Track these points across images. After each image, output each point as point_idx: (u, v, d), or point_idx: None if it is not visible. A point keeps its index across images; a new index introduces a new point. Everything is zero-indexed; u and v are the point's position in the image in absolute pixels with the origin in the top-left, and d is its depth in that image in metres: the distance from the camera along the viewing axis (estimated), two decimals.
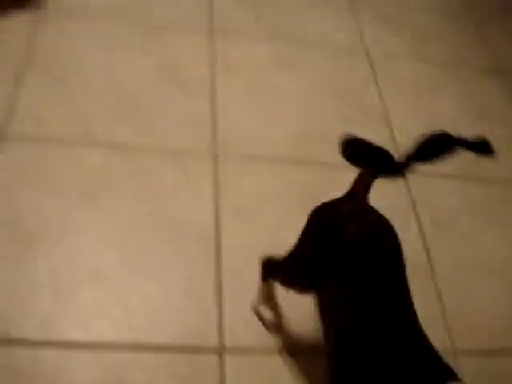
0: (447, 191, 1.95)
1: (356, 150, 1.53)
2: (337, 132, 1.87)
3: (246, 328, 1.46)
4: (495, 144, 1.47)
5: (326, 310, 1.10)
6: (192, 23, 2.22)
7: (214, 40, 2.18)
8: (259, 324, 1.48)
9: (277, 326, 1.48)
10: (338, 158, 1.33)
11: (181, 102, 1.92)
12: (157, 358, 1.36)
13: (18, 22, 1.97)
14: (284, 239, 1.39)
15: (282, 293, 1.49)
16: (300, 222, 1.21)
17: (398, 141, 2.04)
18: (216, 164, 1.77)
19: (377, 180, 1.24)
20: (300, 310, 1.50)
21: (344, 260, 1.07)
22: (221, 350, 1.41)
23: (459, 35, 2.63)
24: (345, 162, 1.31)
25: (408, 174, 1.90)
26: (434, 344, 0.96)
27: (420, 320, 1.01)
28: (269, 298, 1.52)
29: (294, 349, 1.46)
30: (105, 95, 1.85)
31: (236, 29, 2.27)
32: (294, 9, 2.43)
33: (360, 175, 1.37)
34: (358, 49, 2.38)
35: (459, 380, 0.92)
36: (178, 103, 1.91)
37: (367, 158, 1.56)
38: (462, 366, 1.49)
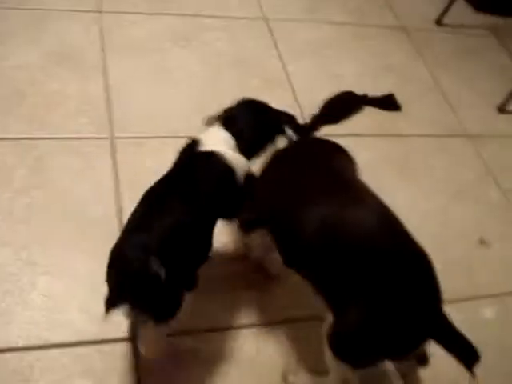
0: None
1: None
2: None
3: None
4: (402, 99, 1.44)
5: None
6: (79, 5, 2.18)
7: (103, 19, 2.09)
8: None
9: None
10: None
11: (74, 88, 1.83)
12: None
13: None
14: None
15: None
16: None
17: (303, 104, 2.01)
18: (114, 147, 1.68)
19: None
20: None
21: None
22: None
23: None
24: None
25: None
26: None
27: None
28: None
29: None
30: None
31: (125, 7, 2.22)
32: None
33: None
34: (256, 16, 2.36)
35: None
36: (71, 89, 1.83)
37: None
38: None
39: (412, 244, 1.12)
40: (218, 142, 1.32)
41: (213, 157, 1.28)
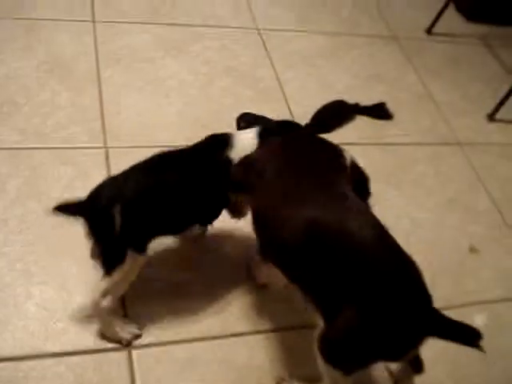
0: None
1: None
2: (233, 112, 1.83)
3: None
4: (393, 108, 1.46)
5: None
6: (71, 15, 2.19)
7: (96, 29, 2.11)
8: None
9: None
10: None
11: (67, 97, 1.84)
12: None
13: None
14: None
15: None
16: None
17: (296, 114, 2.03)
18: (107, 156, 1.70)
19: None
20: None
21: None
22: None
23: (349, 4, 2.67)
24: None
25: None
26: None
27: None
28: None
29: None
30: None
31: (118, 16, 2.23)
32: None
33: None
34: (248, 26, 2.38)
35: None
36: (64, 99, 1.83)
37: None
38: None
39: (398, 249, 1.14)
40: (244, 152, 1.34)
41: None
